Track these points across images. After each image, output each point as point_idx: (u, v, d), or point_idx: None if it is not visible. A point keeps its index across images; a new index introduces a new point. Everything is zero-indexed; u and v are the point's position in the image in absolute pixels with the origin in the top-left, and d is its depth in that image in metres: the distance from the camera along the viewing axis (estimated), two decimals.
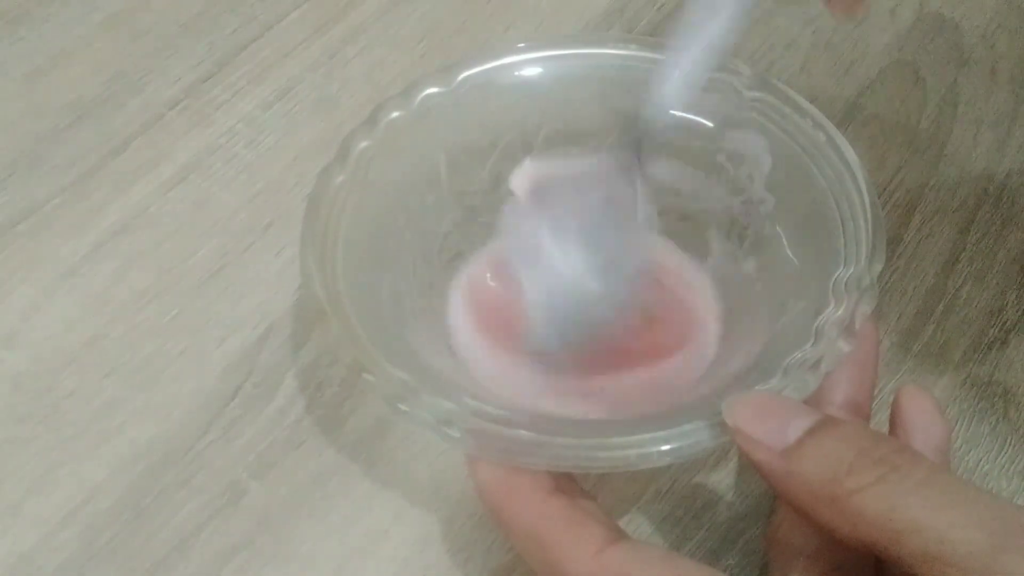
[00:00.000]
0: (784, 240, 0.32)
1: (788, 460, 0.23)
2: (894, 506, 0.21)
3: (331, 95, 0.42)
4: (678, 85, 0.30)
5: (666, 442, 0.25)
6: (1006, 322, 0.36)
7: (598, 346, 0.32)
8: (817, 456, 0.23)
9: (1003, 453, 0.33)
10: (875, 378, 0.29)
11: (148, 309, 0.36)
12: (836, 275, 0.28)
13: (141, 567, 0.30)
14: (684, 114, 0.32)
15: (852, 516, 0.22)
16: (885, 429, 0.28)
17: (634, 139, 0.31)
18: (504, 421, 0.26)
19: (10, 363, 0.34)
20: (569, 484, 0.26)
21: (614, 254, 0.32)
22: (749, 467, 0.32)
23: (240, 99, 0.41)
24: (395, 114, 0.32)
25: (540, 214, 0.33)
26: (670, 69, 0.30)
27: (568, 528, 0.24)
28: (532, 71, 0.34)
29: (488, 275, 0.34)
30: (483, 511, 0.28)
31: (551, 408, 0.30)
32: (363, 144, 0.32)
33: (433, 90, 0.33)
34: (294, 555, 0.31)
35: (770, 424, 0.24)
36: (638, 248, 0.33)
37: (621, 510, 0.31)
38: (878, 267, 0.28)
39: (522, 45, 0.34)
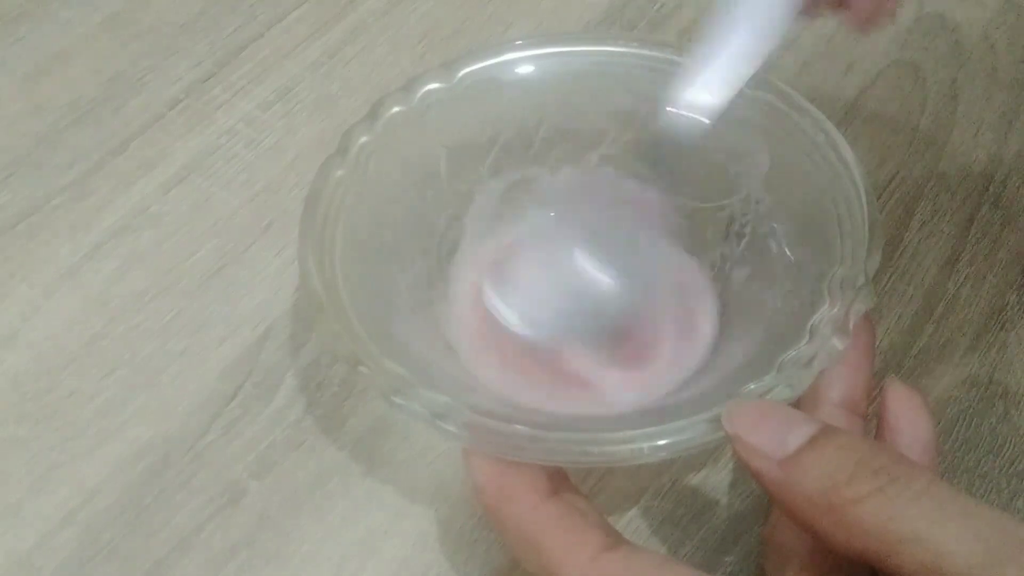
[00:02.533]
0: (781, 238, 0.32)
1: (787, 469, 0.23)
2: (892, 517, 0.21)
3: (331, 95, 0.42)
4: (703, 92, 0.29)
5: (661, 438, 0.25)
6: (1006, 322, 0.36)
7: (589, 344, 0.32)
8: (816, 466, 0.23)
9: (1003, 453, 0.33)
10: (871, 376, 0.29)
11: (148, 309, 0.36)
12: (832, 273, 0.28)
13: (141, 567, 0.30)
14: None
15: (850, 526, 0.22)
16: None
17: (650, 146, 0.31)
18: (499, 415, 0.26)
19: (10, 363, 0.34)
20: (566, 483, 0.26)
21: (628, 265, 0.32)
22: None
23: (240, 99, 0.41)
24: (395, 109, 0.32)
25: (560, 219, 0.33)
26: (692, 75, 0.29)
27: (565, 533, 0.24)
28: (532, 68, 0.34)
29: (490, 272, 0.34)
30: (481, 511, 0.28)
31: (547, 404, 0.30)
32: (363, 139, 0.32)
33: (434, 86, 0.33)
34: (294, 555, 0.31)
35: (769, 432, 0.24)
36: (654, 262, 0.33)
37: (621, 510, 0.31)
38: (874, 266, 0.28)
39: (523, 42, 0.34)
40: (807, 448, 0.23)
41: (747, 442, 0.24)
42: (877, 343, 0.35)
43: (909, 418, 0.27)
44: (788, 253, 0.31)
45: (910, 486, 0.21)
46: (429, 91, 0.33)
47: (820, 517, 0.22)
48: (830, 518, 0.22)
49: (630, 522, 0.31)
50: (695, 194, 0.34)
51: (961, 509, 0.21)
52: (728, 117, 0.33)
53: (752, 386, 0.26)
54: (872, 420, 0.29)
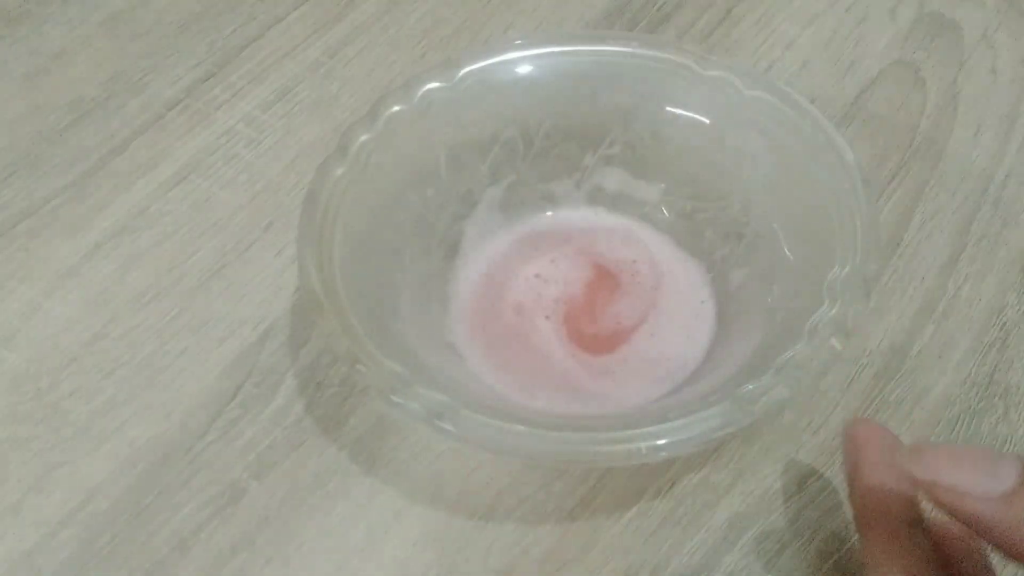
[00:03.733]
0: (781, 239, 0.32)
1: (1012, 506, 0.22)
2: None
3: (331, 95, 0.42)
4: None
5: (660, 437, 0.25)
6: (1006, 322, 0.36)
7: None
8: None
9: None
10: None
11: (148, 309, 0.36)
12: (831, 274, 0.28)
13: (141, 567, 0.30)
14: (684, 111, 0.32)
15: None
16: None
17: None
18: (496, 414, 0.26)
19: (10, 363, 0.34)
20: None
21: None
22: (749, 466, 0.32)
23: (240, 99, 0.41)
24: (396, 108, 0.32)
25: None
26: None
27: None
28: (532, 67, 0.34)
29: (487, 269, 0.34)
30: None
31: (546, 404, 0.30)
32: (363, 137, 0.32)
33: (434, 85, 0.33)
34: (294, 555, 0.31)
35: (974, 472, 0.22)
36: None
37: (621, 510, 0.31)
38: (873, 267, 0.28)
39: (523, 42, 0.34)
40: None
41: (953, 486, 0.22)
42: (877, 343, 0.35)
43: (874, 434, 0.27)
44: (788, 253, 0.31)
45: None
46: (429, 90, 0.33)
47: None
48: None
49: (630, 522, 0.31)
50: (695, 194, 0.34)
51: None
52: (728, 117, 0.33)
53: (751, 386, 0.26)
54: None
